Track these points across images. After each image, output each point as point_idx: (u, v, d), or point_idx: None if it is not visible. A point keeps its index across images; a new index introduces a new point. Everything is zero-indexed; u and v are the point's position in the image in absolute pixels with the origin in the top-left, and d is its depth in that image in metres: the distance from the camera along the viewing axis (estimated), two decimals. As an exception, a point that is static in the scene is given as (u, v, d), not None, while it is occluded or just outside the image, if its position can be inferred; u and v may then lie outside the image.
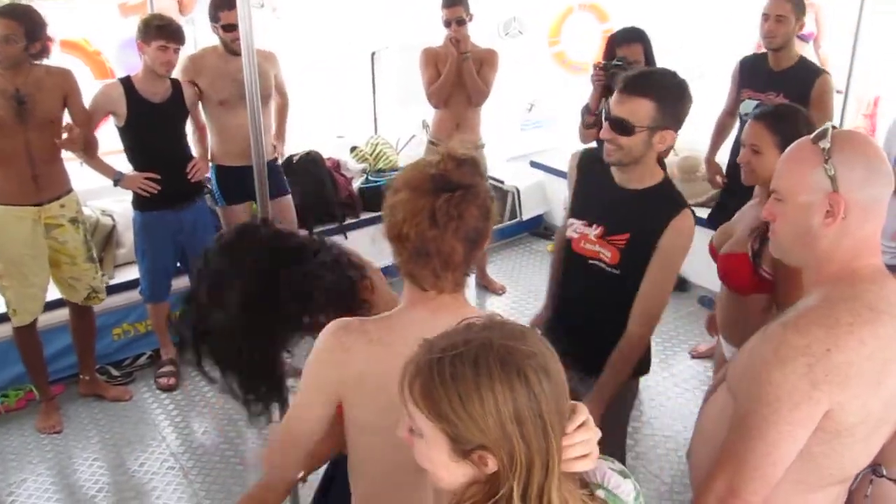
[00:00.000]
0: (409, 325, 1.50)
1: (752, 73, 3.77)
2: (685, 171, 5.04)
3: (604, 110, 3.74)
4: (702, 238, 2.47)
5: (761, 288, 2.31)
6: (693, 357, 4.33)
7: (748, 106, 3.68)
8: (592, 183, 2.46)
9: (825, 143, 1.43)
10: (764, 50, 3.77)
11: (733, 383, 1.54)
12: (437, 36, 4.58)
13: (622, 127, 2.20)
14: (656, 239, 2.25)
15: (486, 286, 5.18)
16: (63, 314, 4.00)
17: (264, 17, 5.52)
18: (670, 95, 2.22)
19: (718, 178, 4.10)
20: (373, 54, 5.76)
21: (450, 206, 1.42)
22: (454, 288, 1.51)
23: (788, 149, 1.53)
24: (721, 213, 3.94)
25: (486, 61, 4.58)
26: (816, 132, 1.46)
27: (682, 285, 4.92)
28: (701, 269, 4.61)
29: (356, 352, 1.49)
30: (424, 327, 1.37)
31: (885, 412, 1.43)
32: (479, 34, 5.14)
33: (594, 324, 2.39)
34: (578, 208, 2.47)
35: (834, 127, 1.46)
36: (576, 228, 2.43)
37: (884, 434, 1.49)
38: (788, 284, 2.09)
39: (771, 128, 2.34)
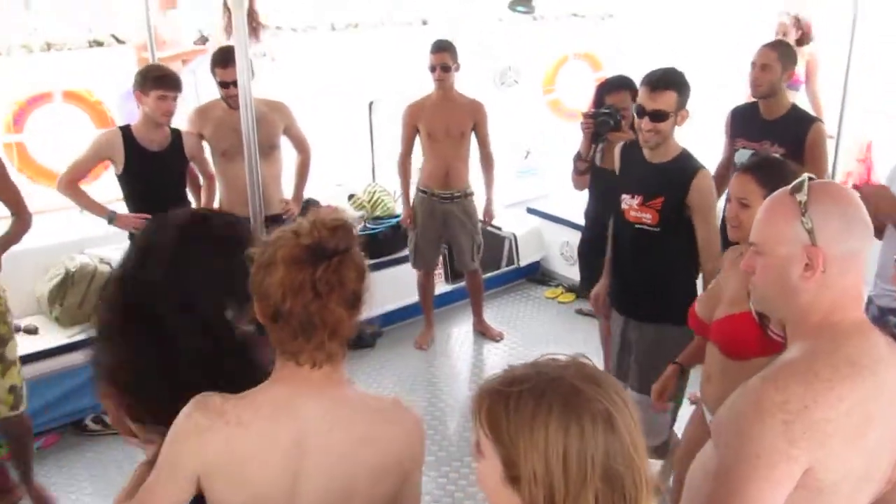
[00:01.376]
0: (268, 403, 1.47)
1: (744, 123, 3.81)
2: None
3: (595, 155, 3.80)
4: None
5: (768, 350, 2.16)
6: (692, 402, 4.30)
7: (743, 156, 3.70)
8: (631, 163, 3.15)
9: (802, 196, 1.42)
10: (754, 99, 3.82)
11: (715, 439, 1.52)
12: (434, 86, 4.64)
13: (659, 116, 2.91)
14: (684, 197, 2.95)
15: (483, 332, 5.18)
16: (54, 363, 4.01)
17: (264, 67, 5.61)
18: (683, 84, 2.96)
19: None
20: (370, 104, 5.84)
21: (328, 273, 1.40)
22: (329, 360, 1.46)
23: (767, 200, 1.53)
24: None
25: (479, 121, 4.68)
26: (794, 183, 1.45)
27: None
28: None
29: (213, 435, 1.44)
30: (283, 405, 1.47)
31: (867, 469, 1.41)
32: (475, 82, 5.25)
33: (644, 277, 3.11)
34: (624, 185, 3.14)
35: (811, 178, 1.45)
36: (625, 201, 3.10)
37: (869, 492, 1.46)
38: None
39: (760, 180, 2.29)
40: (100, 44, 5.42)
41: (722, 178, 3.95)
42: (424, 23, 5.96)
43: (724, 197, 3.99)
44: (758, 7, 5.98)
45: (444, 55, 4.48)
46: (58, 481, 3.76)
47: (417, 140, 4.76)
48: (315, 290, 1.39)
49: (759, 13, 5.84)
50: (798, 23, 5.18)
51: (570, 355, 1.20)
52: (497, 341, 5.11)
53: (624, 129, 3.62)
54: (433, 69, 4.50)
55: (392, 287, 4.89)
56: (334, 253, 1.42)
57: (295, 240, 1.43)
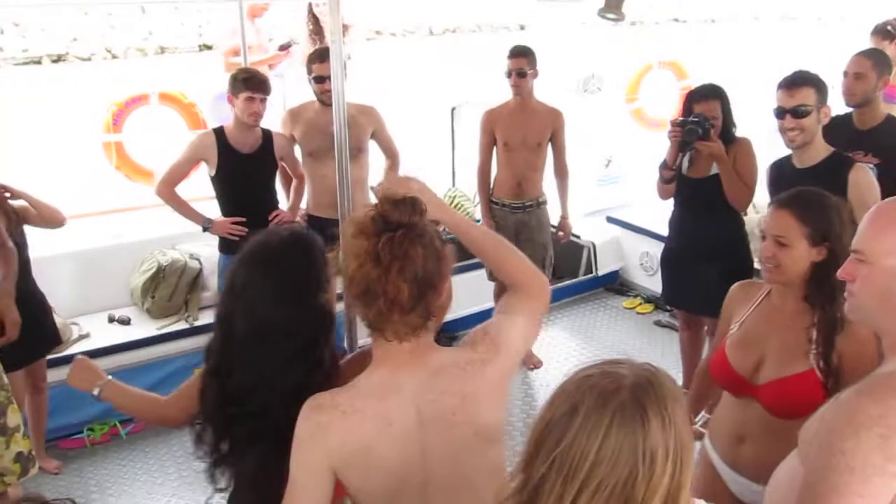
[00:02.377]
0: (373, 386, 1.55)
1: (836, 133, 3.68)
2: (766, 230, 4.94)
3: (681, 164, 3.73)
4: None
5: None
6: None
7: None
8: (781, 178, 3.11)
9: None
10: (848, 110, 3.69)
11: (803, 451, 1.48)
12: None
13: (799, 112, 2.94)
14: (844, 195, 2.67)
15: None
16: (144, 354, 4.18)
17: (352, 71, 5.74)
18: (819, 82, 2.97)
19: None
20: (453, 109, 5.89)
21: (391, 245, 1.45)
22: (412, 333, 1.52)
23: (876, 207, 1.49)
24: None
25: (557, 129, 4.53)
26: None
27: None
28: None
29: (334, 429, 1.51)
30: (387, 385, 1.55)
31: None
32: (558, 90, 5.22)
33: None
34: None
35: None
36: None
37: None
38: None
39: (799, 216, 2.06)
40: (209, 48, 5.64)
41: None
42: (522, 28, 5.98)
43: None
44: (855, 14, 5.79)
45: (521, 60, 4.38)
46: (143, 467, 3.91)
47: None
48: (377, 260, 1.45)
49: (858, 20, 5.65)
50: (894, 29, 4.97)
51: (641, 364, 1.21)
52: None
53: (713, 139, 3.54)
54: (509, 74, 4.41)
55: (469, 292, 4.89)
56: (398, 226, 1.47)
57: (364, 212, 1.52)
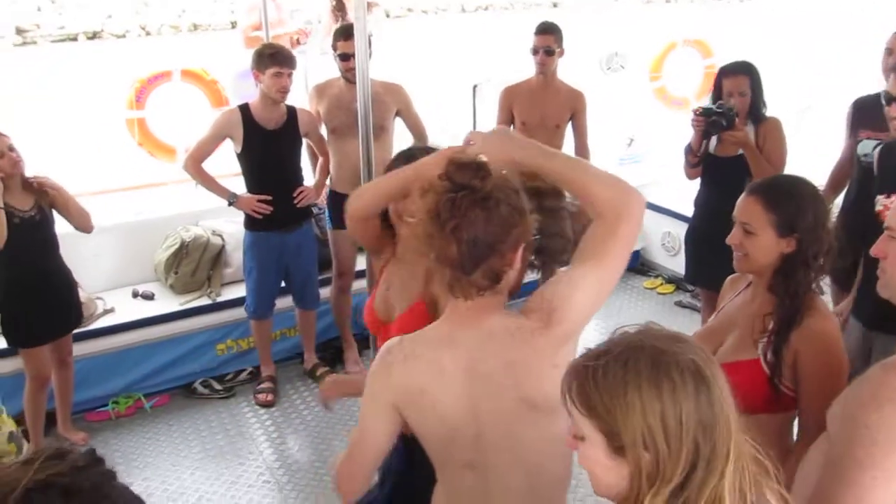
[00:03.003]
0: (434, 336, 1.66)
1: (869, 114, 3.62)
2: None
3: (707, 145, 3.70)
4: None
5: (776, 407, 1.92)
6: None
7: (867, 146, 3.52)
8: (891, 163, 3.00)
9: None
10: (877, 91, 3.62)
11: (830, 427, 1.48)
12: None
13: None
14: None
15: None
16: (167, 329, 4.23)
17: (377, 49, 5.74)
18: None
19: None
20: (474, 87, 5.86)
21: (451, 205, 1.49)
22: (475, 293, 1.55)
23: None
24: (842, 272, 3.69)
25: (577, 111, 4.46)
26: None
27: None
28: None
29: (396, 370, 1.64)
30: (445, 337, 1.64)
31: None
32: (581, 67, 5.16)
33: None
34: (883, 185, 2.95)
35: None
36: (880, 202, 2.87)
37: None
38: (817, 402, 1.71)
39: (767, 204, 1.97)
40: (257, 28, 5.67)
41: (843, 174, 3.77)
42: (555, 5, 5.93)
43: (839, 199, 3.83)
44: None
45: (548, 38, 4.30)
46: (167, 440, 3.97)
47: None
48: (436, 217, 1.51)
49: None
50: None
51: (641, 324, 1.24)
52: None
53: (738, 127, 3.49)
54: (536, 52, 4.33)
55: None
56: (460, 187, 1.51)
57: (435, 171, 1.59)
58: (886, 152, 3.10)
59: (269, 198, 3.98)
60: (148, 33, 22.13)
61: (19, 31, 22.11)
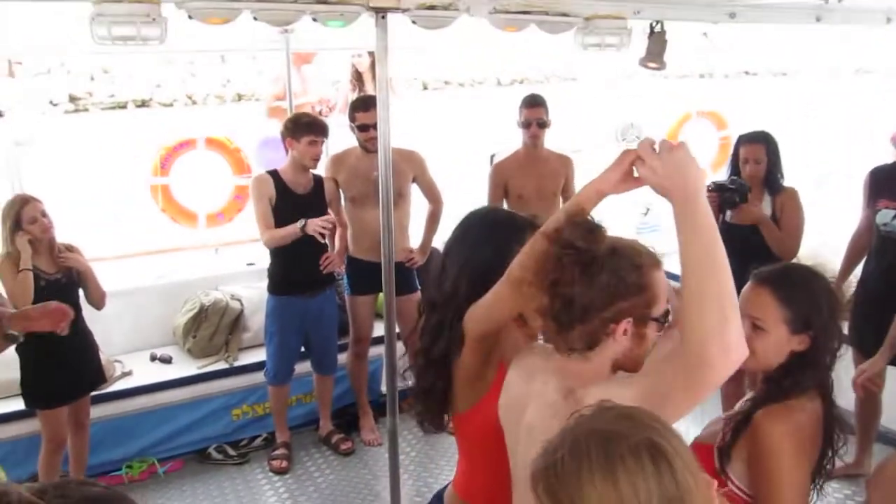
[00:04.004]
0: (527, 362, 1.73)
1: (887, 183, 3.64)
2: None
3: (724, 215, 3.73)
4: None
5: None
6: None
7: (886, 216, 3.54)
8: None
9: None
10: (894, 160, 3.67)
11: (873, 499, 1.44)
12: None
13: None
14: None
15: None
16: (184, 392, 4.23)
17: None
18: None
19: None
20: (492, 156, 5.95)
21: (556, 257, 1.49)
22: (563, 349, 1.56)
23: None
24: (857, 334, 3.64)
25: (568, 177, 4.47)
26: None
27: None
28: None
29: (509, 380, 1.76)
30: (529, 369, 1.70)
31: None
32: (596, 139, 5.24)
33: None
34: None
35: None
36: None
37: None
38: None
39: (781, 298, 1.79)
40: (280, 98, 5.85)
41: (862, 243, 3.77)
42: (574, 79, 6.07)
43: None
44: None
45: (540, 110, 4.33)
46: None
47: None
48: (539, 264, 1.52)
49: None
50: None
51: (593, 405, 1.19)
52: None
53: (752, 202, 3.53)
54: (528, 125, 4.33)
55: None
56: (567, 245, 1.48)
57: (560, 217, 1.58)
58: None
59: (334, 218, 4.06)
60: (194, 102, 23.00)
61: (72, 99, 23.08)
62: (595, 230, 1.52)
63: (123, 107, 23.01)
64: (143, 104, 23.47)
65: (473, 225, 2.07)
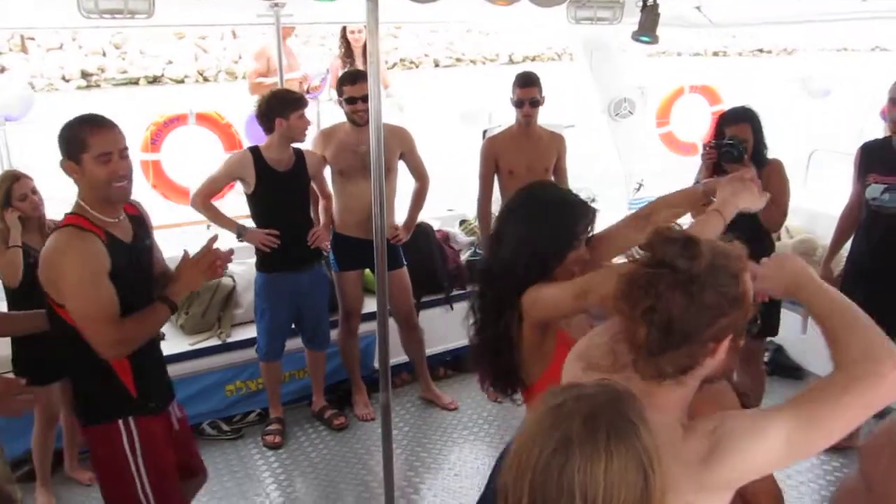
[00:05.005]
0: (591, 360, 1.54)
1: (877, 158, 3.66)
2: (800, 254, 4.88)
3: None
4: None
5: None
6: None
7: (876, 190, 3.56)
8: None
9: None
10: (892, 134, 3.65)
11: (867, 468, 1.43)
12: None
13: None
14: None
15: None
16: (177, 369, 4.22)
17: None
18: None
19: None
20: (484, 132, 5.93)
21: (647, 281, 1.33)
22: (654, 377, 1.36)
23: None
24: None
25: (560, 154, 4.47)
26: None
27: (797, 373, 4.73)
28: (818, 356, 4.47)
29: (571, 362, 1.62)
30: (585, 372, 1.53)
31: None
32: (590, 113, 5.22)
33: None
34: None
35: None
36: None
37: None
38: None
39: None
40: (262, 74, 5.83)
41: (853, 218, 3.80)
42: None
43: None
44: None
45: (533, 89, 4.29)
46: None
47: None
48: (629, 291, 1.36)
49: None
50: None
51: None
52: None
53: (745, 163, 3.54)
54: (521, 104, 4.31)
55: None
56: (660, 264, 1.34)
57: (645, 236, 1.41)
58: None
59: (277, 232, 4.01)
60: (206, 79, 22.90)
61: (84, 75, 22.97)
62: (692, 245, 1.35)
63: (135, 83, 23.03)
64: (155, 80, 23.51)
65: (531, 202, 2.11)
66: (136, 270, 2.48)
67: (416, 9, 2.83)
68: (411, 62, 27.11)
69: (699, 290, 1.31)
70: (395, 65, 25.83)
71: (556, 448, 1.13)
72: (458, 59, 27.61)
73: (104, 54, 23.73)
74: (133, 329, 2.38)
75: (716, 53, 28.43)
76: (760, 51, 29.16)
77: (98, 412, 2.51)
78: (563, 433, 1.13)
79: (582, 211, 2.06)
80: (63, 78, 22.99)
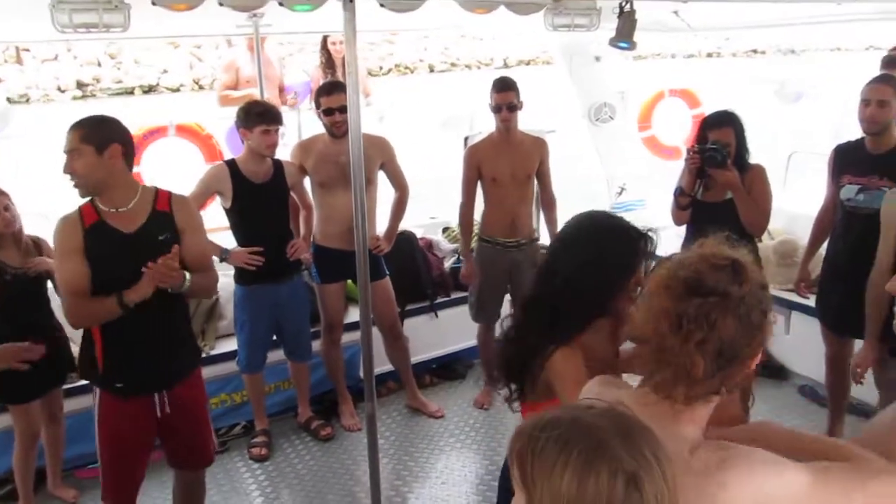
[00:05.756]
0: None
1: (850, 159, 3.70)
2: (781, 256, 4.93)
3: (698, 189, 3.76)
4: (805, 326, 2.38)
5: None
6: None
7: (850, 191, 3.60)
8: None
9: None
10: (867, 134, 3.69)
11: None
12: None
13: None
14: None
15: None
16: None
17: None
18: None
19: (803, 285, 4.13)
20: (466, 139, 5.94)
21: (699, 313, 1.30)
22: (685, 401, 1.35)
23: None
24: (822, 308, 3.86)
25: (543, 159, 4.45)
26: None
27: (780, 373, 4.75)
28: (801, 356, 4.50)
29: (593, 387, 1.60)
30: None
31: None
32: (571, 118, 5.23)
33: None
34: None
35: None
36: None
37: None
38: None
39: None
40: (230, 87, 5.82)
41: (828, 218, 3.84)
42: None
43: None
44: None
45: (510, 94, 4.25)
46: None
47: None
48: (677, 326, 1.31)
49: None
50: None
51: (612, 403, 1.18)
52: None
53: (729, 167, 3.57)
54: (499, 109, 4.26)
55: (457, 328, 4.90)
56: (711, 292, 1.31)
57: (675, 269, 1.37)
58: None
59: (261, 249, 3.99)
60: (201, 87, 22.77)
61: (80, 85, 22.84)
62: (740, 269, 1.35)
63: (131, 92, 22.91)
64: (151, 90, 23.40)
65: (581, 235, 2.10)
66: (120, 258, 2.65)
67: (394, 17, 2.83)
68: (406, 67, 27.12)
69: (746, 311, 1.32)
70: (389, 70, 25.82)
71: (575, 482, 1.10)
72: (453, 64, 27.71)
73: (99, 64, 23.66)
74: (84, 308, 2.69)
75: (710, 55, 28.66)
76: (754, 51, 29.41)
77: (83, 370, 2.94)
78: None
79: (633, 240, 2.04)
80: (59, 88, 22.91)
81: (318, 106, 4.17)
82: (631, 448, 1.09)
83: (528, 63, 26.56)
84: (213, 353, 4.46)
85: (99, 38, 3.51)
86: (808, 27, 5.10)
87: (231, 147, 5.50)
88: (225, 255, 3.98)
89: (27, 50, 22.33)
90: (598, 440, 1.09)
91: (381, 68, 26.12)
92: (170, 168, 5.57)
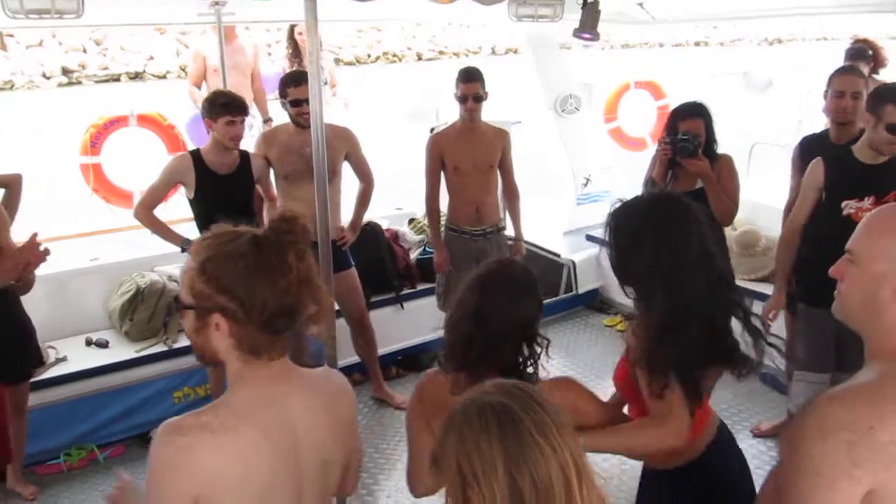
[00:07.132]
0: (247, 404, 1.48)
1: (815, 152, 3.71)
2: (743, 246, 4.99)
3: (670, 178, 3.78)
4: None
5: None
6: (755, 436, 4.20)
7: (852, 208, 3.60)
8: (841, 171, 3.29)
9: None
10: (839, 123, 3.70)
11: (781, 454, 1.50)
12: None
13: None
14: None
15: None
16: (122, 377, 4.15)
17: (325, 95, 5.77)
18: None
19: (773, 314, 3.69)
20: (432, 129, 5.93)
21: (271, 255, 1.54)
22: (283, 352, 1.56)
23: (877, 211, 1.49)
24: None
25: (505, 150, 4.47)
26: None
27: (742, 362, 4.81)
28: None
29: (203, 450, 1.39)
30: (266, 402, 1.50)
31: None
32: (536, 110, 5.24)
33: None
34: (845, 192, 3.24)
35: None
36: (851, 206, 3.20)
37: None
38: None
39: None
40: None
41: (793, 233, 3.82)
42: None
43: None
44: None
45: (476, 85, 4.25)
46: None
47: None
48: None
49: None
50: (872, 50, 5.02)
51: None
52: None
53: (700, 157, 3.59)
54: (464, 99, 4.27)
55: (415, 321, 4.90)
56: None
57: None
58: (834, 165, 3.33)
59: None
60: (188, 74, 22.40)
61: (65, 72, 22.36)
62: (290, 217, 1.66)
63: (117, 79, 22.49)
64: (137, 76, 23.00)
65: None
66: None
67: (357, 7, 2.80)
68: (394, 55, 26.89)
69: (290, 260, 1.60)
70: (377, 58, 25.58)
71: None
72: (441, 52, 27.46)
73: (84, 51, 23.14)
74: None
75: (697, 44, 28.81)
76: (740, 40, 29.63)
77: None
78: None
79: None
80: (44, 75, 22.38)
81: (284, 96, 4.12)
82: (494, 392, 1.29)
83: (515, 51, 26.60)
84: (176, 346, 4.40)
85: (54, 25, 3.44)
86: (768, 20, 5.17)
87: (193, 137, 5.43)
88: (186, 245, 3.93)
89: (11, 35, 21.79)
90: (470, 400, 1.28)
91: (369, 56, 25.86)
92: (131, 158, 5.49)
